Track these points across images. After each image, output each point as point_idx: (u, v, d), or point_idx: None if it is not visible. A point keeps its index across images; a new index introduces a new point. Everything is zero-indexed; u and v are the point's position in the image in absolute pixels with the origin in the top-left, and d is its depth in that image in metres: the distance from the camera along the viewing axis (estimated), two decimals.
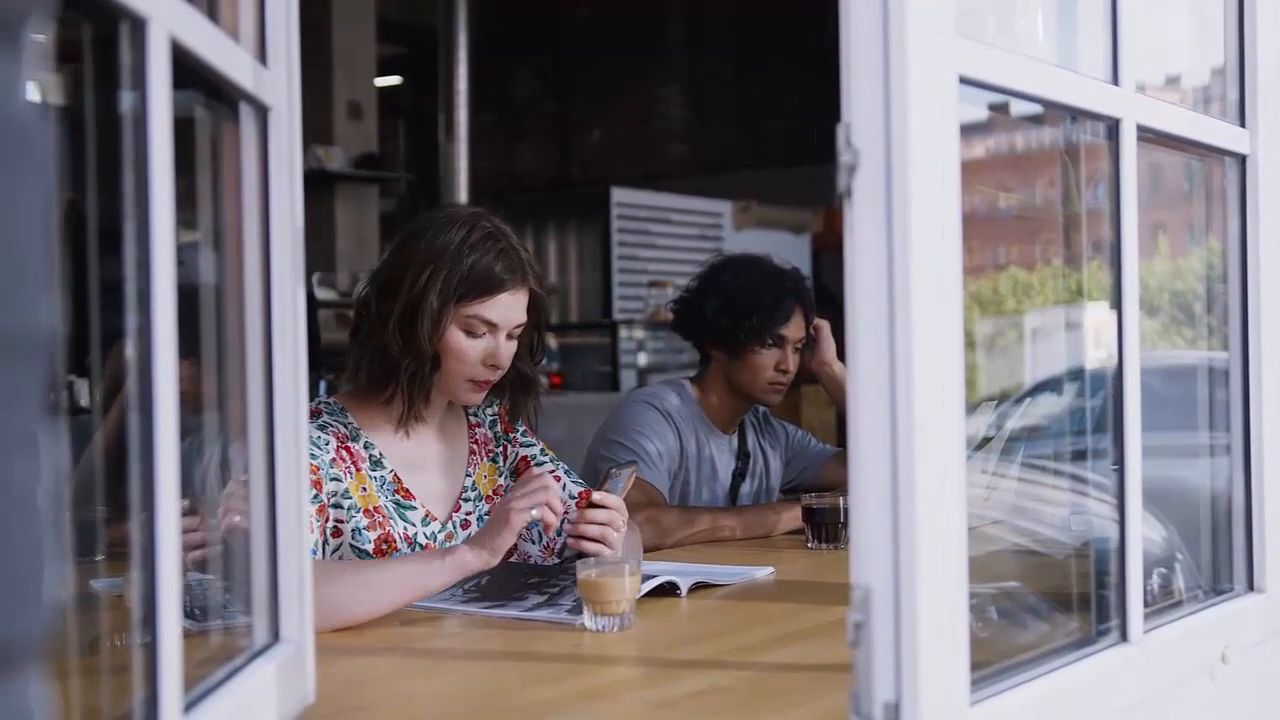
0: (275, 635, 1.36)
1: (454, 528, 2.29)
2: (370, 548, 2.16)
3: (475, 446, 2.39)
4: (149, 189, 0.99)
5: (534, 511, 1.98)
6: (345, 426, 2.22)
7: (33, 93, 0.58)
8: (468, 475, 2.35)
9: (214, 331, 1.32)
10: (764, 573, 2.35)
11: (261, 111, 1.33)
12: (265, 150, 1.34)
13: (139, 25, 0.98)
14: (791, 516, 2.82)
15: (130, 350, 1.00)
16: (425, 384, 2.21)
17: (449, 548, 2.06)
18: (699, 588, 2.19)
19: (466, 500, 2.34)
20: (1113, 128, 1.50)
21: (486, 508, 2.35)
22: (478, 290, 2.17)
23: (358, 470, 2.19)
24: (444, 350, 2.19)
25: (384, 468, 2.23)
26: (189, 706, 1.07)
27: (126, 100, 0.99)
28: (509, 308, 2.21)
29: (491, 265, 2.17)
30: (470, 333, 2.19)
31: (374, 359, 2.21)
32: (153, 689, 0.99)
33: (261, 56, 1.33)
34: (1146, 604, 1.53)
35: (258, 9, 1.34)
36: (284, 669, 1.33)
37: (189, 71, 1.09)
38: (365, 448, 2.23)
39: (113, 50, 0.99)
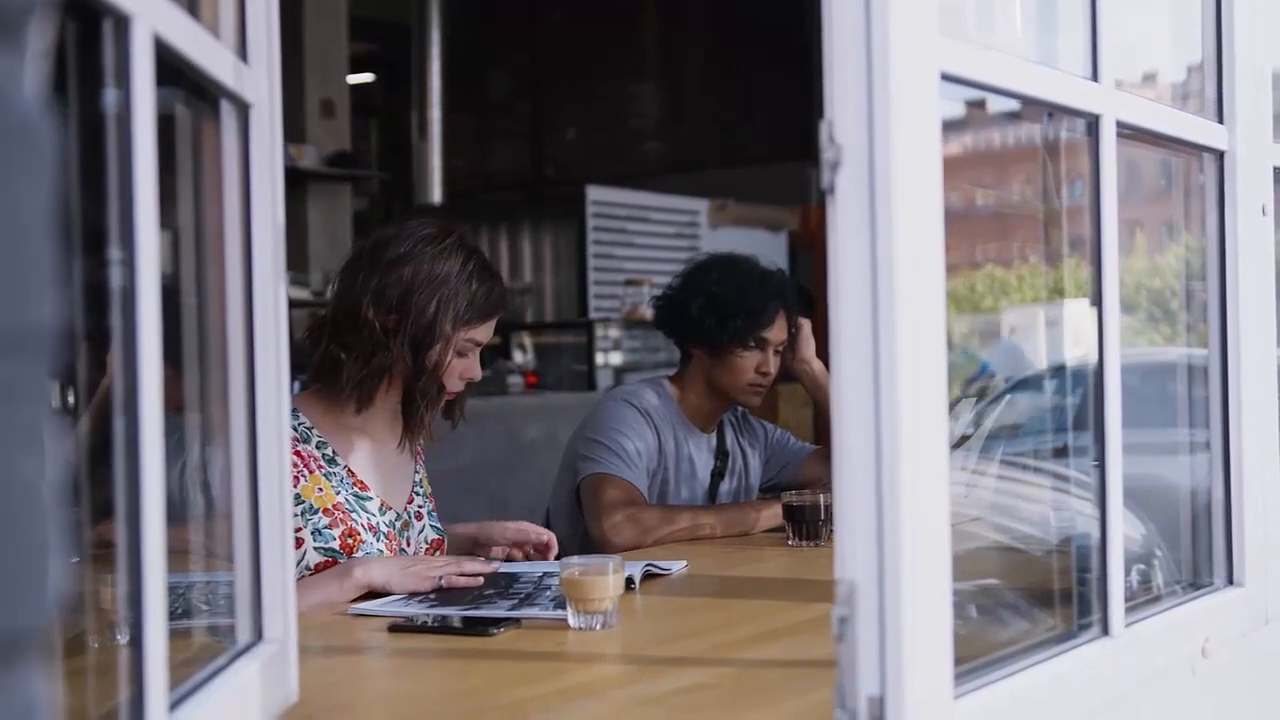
0: (259, 634, 1.35)
1: (409, 517, 2.37)
2: (336, 544, 2.19)
3: (419, 447, 2.46)
4: (133, 186, 0.98)
5: (443, 581, 2.13)
6: (295, 429, 2.24)
7: (35, 90, 0.58)
8: (416, 472, 2.43)
9: (194, 332, 1.32)
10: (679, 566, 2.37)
11: (243, 109, 1.33)
12: (246, 148, 1.34)
13: (123, 22, 0.97)
14: (771, 514, 2.82)
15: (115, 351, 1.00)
16: (438, 405, 2.30)
17: (347, 568, 2.13)
18: (649, 578, 2.23)
19: (418, 494, 2.42)
20: (1092, 124, 1.51)
21: (431, 505, 2.45)
22: (481, 316, 2.28)
23: (311, 472, 2.21)
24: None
25: (338, 464, 2.27)
26: (173, 705, 1.07)
27: (109, 97, 0.98)
28: (492, 327, 2.34)
29: (492, 293, 2.29)
30: (461, 354, 2.29)
31: (375, 376, 2.24)
32: (138, 688, 0.99)
33: (242, 54, 1.33)
34: (1127, 599, 1.53)
35: (238, 5, 1.34)
36: (267, 668, 1.32)
37: (169, 68, 1.09)
38: (318, 447, 2.26)
39: (93, 47, 0.98)
